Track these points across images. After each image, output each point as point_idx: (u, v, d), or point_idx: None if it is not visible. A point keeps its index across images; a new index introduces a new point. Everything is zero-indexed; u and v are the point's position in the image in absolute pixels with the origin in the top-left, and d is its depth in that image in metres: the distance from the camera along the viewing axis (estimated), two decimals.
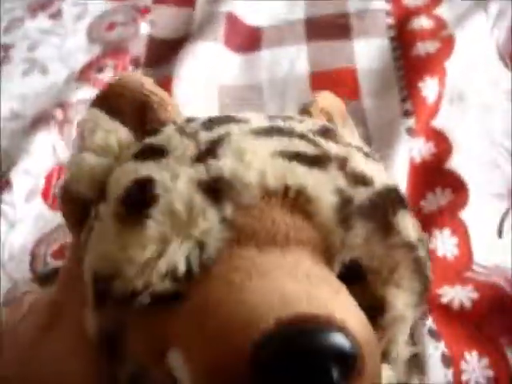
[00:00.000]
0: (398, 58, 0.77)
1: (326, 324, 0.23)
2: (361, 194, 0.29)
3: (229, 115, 0.35)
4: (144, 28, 0.86)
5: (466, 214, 0.61)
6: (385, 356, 0.30)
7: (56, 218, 0.64)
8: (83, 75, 0.80)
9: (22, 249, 0.62)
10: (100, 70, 0.80)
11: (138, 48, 0.83)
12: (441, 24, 0.78)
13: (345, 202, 0.28)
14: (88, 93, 0.76)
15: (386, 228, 0.30)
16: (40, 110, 0.76)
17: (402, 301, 0.30)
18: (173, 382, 0.26)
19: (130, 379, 0.28)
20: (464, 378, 0.51)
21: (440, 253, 0.58)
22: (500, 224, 0.61)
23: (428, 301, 0.54)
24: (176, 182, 0.28)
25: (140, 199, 0.28)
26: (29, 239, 0.63)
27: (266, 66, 0.79)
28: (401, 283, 0.30)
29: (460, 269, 0.57)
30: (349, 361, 0.23)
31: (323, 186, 0.28)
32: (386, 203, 0.30)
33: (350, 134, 0.39)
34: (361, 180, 0.30)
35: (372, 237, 0.29)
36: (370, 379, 0.25)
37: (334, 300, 0.25)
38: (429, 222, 0.61)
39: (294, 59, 0.78)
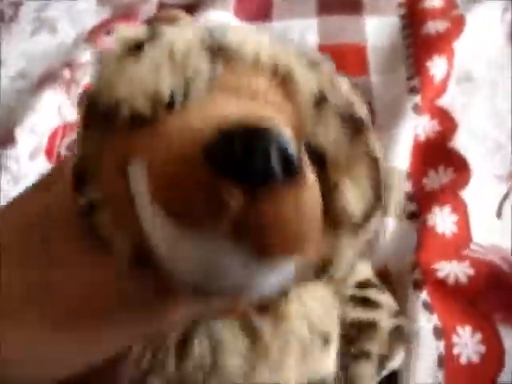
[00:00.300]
0: (408, 36, 0.76)
1: (282, 133, 0.25)
2: (340, 101, 0.31)
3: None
4: None
5: (466, 193, 0.61)
6: (326, 266, 0.31)
7: None
8: (92, 37, 0.80)
9: None
10: (109, 32, 0.80)
11: (149, 13, 0.83)
12: (452, 4, 0.78)
13: (324, 98, 0.31)
14: None
15: (357, 134, 0.31)
16: (47, 69, 0.76)
17: (353, 196, 0.31)
18: (129, 200, 0.27)
19: (90, 206, 0.29)
20: (455, 351, 0.51)
21: (439, 229, 0.58)
22: (500, 205, 0.61)
23: (423, 274, 0.55)
24: (182, 32, 0.31)
25: (147, 39, 0.30)
26: None
27: (276, 36, 0.78)
28: (356, 179, 0.31)
29: (458, 246, 0.57)
30: (290, 164, 0.25)
31: (310, 79, 0.31)
32: (362, 122, 0.32)
33: None
34: (344, 96, 0.32)
35: (342, 133, 0.31)
36: (307, 213, 0.26)
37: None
38: (429, 199, 0.61)
39: (304, 31, 0.78)
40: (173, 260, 0.26)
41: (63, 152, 0.67)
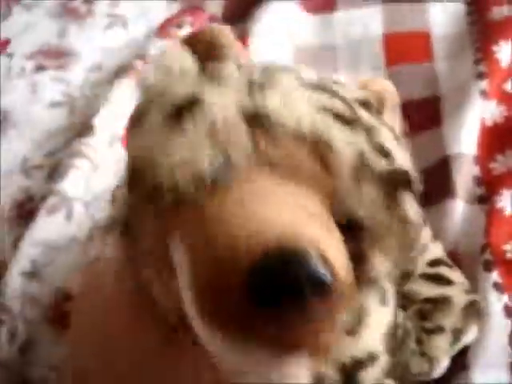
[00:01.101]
0: (473, 23, 0.77)
1: (314, 256, 0.26)
2: (378, 163, 0.32)
3: (284, 65, 0.37)
4: None
5: None
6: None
7: None
8: (162, 31, 0.82)
9: (104, 190, 0.65)
10: (178, 26, 0.82)
11: (216, 6, 0.85)
12: None
13: (363, 164, 0.31)
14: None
15: (392, 200, 0.32)
16: (121, 61, 0.79)
17: (382, 268, 0.32)
18: (170, 266, 0.30)
19: (140, 257, 0.32)
20: None
21: (508, 212, 0.59)
22: None
23: (493, 255, 0.55)
24: (222, 100, 0.31)
25: (187, 107, 0.31)
26: (110, 182, 0.66)
27: (341, 27, 0.80)
28: (387, 252, 0.32)
29: None
30: (326, 290, 0.26)
31: (348, 144, 0.31)
32: (399, 180, 0.33)
33: (391, 120, 0.41)
34: (382, 152, 0.33)
35: (378, 202, 0.31)
36: (343, 306, 0.28)
37: (327, 238, 0.29)
38: (497, 183, 0.62)
39: (369, 21, 0.79)
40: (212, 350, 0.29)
41: None
